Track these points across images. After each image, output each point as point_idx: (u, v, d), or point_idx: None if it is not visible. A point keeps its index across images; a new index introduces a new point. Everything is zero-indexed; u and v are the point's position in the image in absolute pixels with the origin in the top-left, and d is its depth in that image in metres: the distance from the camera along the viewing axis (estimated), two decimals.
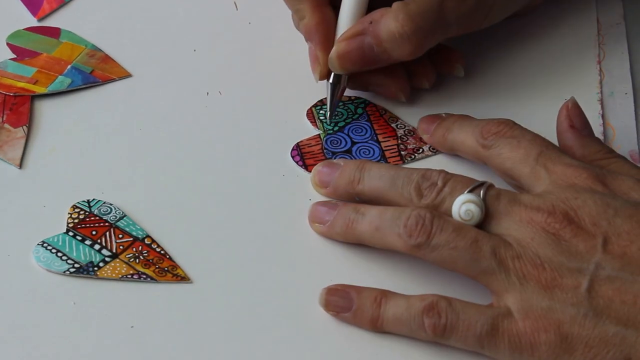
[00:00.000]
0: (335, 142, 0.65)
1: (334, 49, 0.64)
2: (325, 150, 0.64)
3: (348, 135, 0.65)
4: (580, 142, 0.60)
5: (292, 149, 0.64)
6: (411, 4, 0.62)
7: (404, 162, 0.63)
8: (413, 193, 0.57)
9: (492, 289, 0.54)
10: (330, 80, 0.65)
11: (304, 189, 0.62)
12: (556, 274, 0.53)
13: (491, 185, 0.56)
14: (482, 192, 0.56)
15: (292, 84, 0.68)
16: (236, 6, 0.73)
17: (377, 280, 0.58)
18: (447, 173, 0.57)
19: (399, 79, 0.66)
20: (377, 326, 0.55)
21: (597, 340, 0.51)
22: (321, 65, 0.65)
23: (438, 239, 0.54)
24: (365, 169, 0.59)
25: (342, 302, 0.56)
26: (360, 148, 0.64)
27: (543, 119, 0.64)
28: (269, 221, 0.61)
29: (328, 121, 0.65)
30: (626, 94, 0.67)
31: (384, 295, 0.56)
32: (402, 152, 0.64)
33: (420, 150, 0.64)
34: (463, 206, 0.55)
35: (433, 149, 0.64)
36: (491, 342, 0.53)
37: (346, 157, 0.64)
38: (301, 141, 0.65)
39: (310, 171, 0.62)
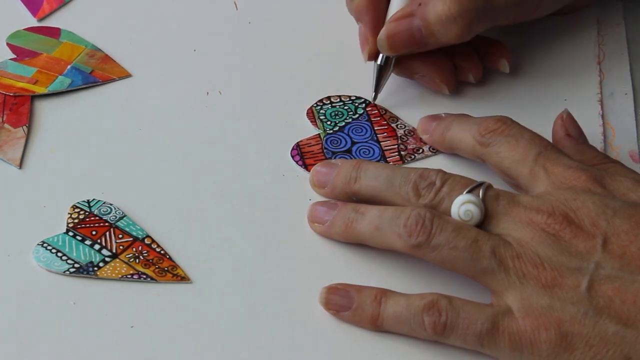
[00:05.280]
0: (335, 142, 0.65)
1: (383, 29, 0.64)
2: (325, 150, 0.64)
3: (348, 135, 0.65)
4: (577, 149, 0.60)
5: (292, 149, 0.64)
6: None
7: (404, 162, 0.64)
8: (411, 193, 0.57)
9: (492, 288, 0.54)
10: (379, 62, 0.65)
11: (304, 188, 0.62)
12: (556, 273, 0.53)
13: (490, 186, 0.56)
14: (481, 192, 0.56)
15: (292, 84, 0.68)
16: (236, 6, 0.73)
17: (377, 280, 0.58)
18: (445, 173, 0.57)
19: (445, 71, 0.66)
20: (377, 325, 0.55)
21: (597, 339, 0.51)
22: (370, 46, 0.65)
23: (438, 238, 0.54)
24: (361, 169, 0.59)
25: (342, 300, 0.56)
26: (360, 148, 0.64)
27: (543, 119, 0.64)
28: (269, 221, 0.61)
29: (372, 102, 0.66)
30: (626, 94, 0.67)
31: (383, 294, 0.56)
32: (402, 152, 0.64)
33: (420, 150, 0.64)
34: (462, 207, 0.55)
35: (433, 149, 0.64)
36: (491, 340, 0.53)
37: (346, 157, 0.64)
38: (301, 141, 0.65)
39: (310, 171, 0.62)
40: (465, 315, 0.53)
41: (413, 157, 0.64)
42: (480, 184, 0.56)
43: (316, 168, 0.61)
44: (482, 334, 0.53)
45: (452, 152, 0.63)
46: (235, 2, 0.73)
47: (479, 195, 0.55)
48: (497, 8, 0.63)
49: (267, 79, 0.69)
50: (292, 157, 0.64)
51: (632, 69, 0.69)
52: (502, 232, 0.55)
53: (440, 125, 0.63)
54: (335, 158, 0.63)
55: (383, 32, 0.64)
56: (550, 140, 0.60)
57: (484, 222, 0.55)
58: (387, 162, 0.63)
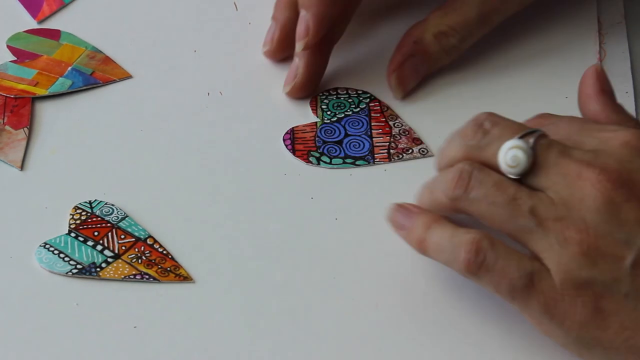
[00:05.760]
0: (329, 132, 0.65)
1: (391, 79, 0.66)
2: (317, 139, 0.64)
3: (343, 126, 0.65)
4: (613, 107, 0.56)
5: (286, 133, 0.64)
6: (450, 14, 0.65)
7: (390, 161, 0.63)
8: (465, 135, 0.54)
9: (530, 248, 0.52)
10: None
11: (305, 187, 0.62)
12: (601, 242, 0.50)
13: (543, 134, 0.53)
14: (532, 140, 0.52)
15: None
16: (236, 6, 0.73)
17: (379, 281, 0.58)
18: (496, 115, 0.54)
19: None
20: (422, 247, 0.55)
21: (634, 323, 0.50)
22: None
23: (476, 192, 0.52)
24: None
25: (403, 219, 0.56)
26: (351, 141, 0.64)
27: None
28: (271, 220, 0.61)
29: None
30: (627, 92, 0.67)
31: (435, 220, 0.54)
32: (392, 151, 0.64)
33: (410, 150, 0.64)
34: (510, 152, 0.52)
35: (423, 150, 0.64)
36: (523, 296, 0.51)
37: (335, 147, 0.64)
38: (297, 126, 0.65)
39: (297, 155, 0.63)
40: (504, 264, 0.51)
41: (401, 156, 0.64)
42: (534, 131, 0.53)
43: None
44: (515, 288, 0.51)
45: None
46: (235, 3, 0.73)
47: (529, 143, 0.52)
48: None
49: (267, 79, 0.68)
50: (284, 140, 0.64)
51: (633, 68, 0.69)
52: (550, 185, 0.52)
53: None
54: (325, 149, 0.64)
55: (393, 82, 0.66)
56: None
57: (531, 172, 0.52)
58: (374, 158, 0.63)
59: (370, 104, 0.66)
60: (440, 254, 0.54)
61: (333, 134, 0.65)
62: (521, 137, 0.52)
